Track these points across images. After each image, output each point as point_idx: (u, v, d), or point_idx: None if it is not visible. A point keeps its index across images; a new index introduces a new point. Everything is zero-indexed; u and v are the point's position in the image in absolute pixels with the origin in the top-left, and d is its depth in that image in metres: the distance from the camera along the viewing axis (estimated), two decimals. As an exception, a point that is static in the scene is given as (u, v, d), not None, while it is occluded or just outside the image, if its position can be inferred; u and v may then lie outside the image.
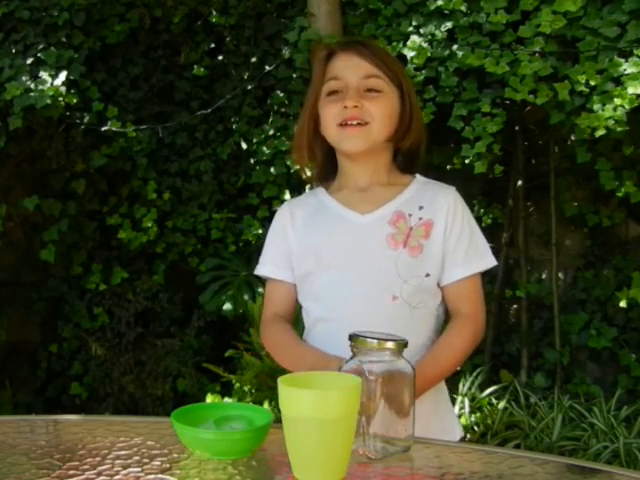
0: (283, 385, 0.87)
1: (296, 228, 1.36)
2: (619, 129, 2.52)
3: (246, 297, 3.22)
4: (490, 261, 1.32)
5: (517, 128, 3.23)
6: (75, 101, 2.95)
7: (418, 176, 1.37)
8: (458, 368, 1.38)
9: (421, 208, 1.29)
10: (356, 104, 1.25)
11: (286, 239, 1.37)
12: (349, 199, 1.33)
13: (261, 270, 1.41)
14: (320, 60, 1.34)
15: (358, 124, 1.26)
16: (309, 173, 1.46)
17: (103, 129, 3.17)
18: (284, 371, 1.30)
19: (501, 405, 2.87)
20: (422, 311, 1.27)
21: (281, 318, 1.37)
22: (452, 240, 1.28)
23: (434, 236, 1.27)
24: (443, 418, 1.32)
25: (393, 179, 1.35)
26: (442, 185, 1.36)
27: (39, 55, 2.95)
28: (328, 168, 1.39)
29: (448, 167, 3.08)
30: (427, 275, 1.27)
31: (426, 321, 1.28)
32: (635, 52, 2.50)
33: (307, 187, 2.79)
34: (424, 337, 1.26)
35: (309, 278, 1.33)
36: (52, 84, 2.88)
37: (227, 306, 3.25)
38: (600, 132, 2.54)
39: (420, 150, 1.37)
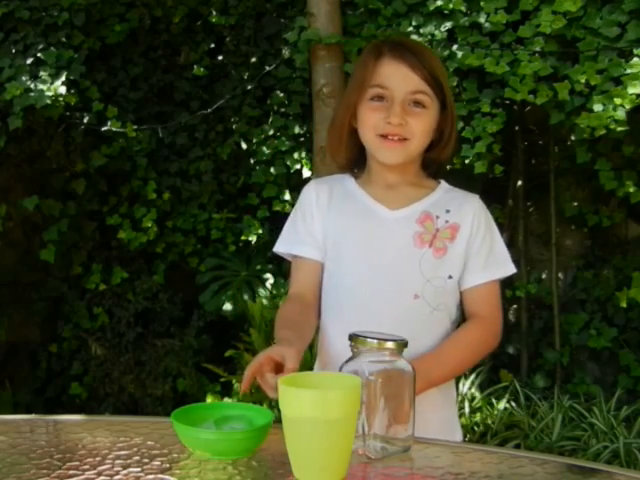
0: (283, 385, 0.87)
1: (321, 209, 1.34)
2: (619, 129, 2.52)
3: (246, 297, 3.22)
4: (510, 269, 1.34)
5: (517, 128, 3.23)
6: (75, 101, 2.95)
7: (443, 182, 1.37)
8: (468, 367, 1.37)
9: (448, 211, 1.30)
10: (401, 122, 1.24)
11: (312, 218, 1.34)
12: (378, 193, 1.32)
13: (291, 248, 1.36)
14: (368, 59, 1.29)
15: (398, 139, 1.25)
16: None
17: (103, 129, 3.17)
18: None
19: (501, 405, 2.87)
20: (441, 313, 1.27)
21: (299, 297, 1.33)
22: (475, 246, 1.30)
23: (459, 239, 1.29)
24: (445, 419, 1.31)
25: (420, 181, 1.35)
26: (467, 193, 1.37)
27: (39, 55, 2.95)
28: (358, 160, 1.37)
29: (448, 167, 3.08)
30: (450, 277, 1.28)
31: (443, 323, 1.28)
32: (635, 52, 2.50)
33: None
34: (439, 339, 1.26)
35: (327, 265, 1.32)
36: (52, 84, 2.88)
37: (227, 306, 3.25)
38: (600, 132, 2.54)
39: (449, 159, 1.38)
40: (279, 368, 1.07)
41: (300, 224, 1.36)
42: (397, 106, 1.24)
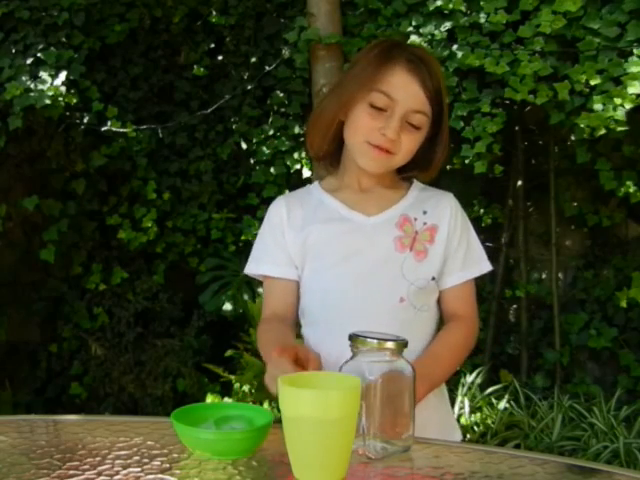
0: (283, 385, 0.86)
1: (294, 225, 1.30)
2: (619, 129, 2.52)
3: (246, 297, 3.22)
4: (485, 266, 1.34)
5: (517, 128, 3.23)
6: (75, 101, 2.95)
7: (415, 181, 1.36)
8: (457, 368, 1.37)
9: (425, 213, 1.30)
10: (395, 138, 1.22)
11: (283, 234, 1.31)
12: (352, 200, 1.30)
13: (259, 268, 1.33)
14: (379, 59, 1.23)
15: (385, 150, 1.24)
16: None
17: (103, 129, 3.17)
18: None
19: (501, 405, 2.87)
20: (425, 314, 1.28)
21: (278, 317, 1.30)
22: (453, 245, 1.30)
23: (438, 240, 1.29)
24: (443, 419, 1.31)
25: (393, 183, 1.34)
26: (441, 191, 1.37)
27: (39, 55, 2.95)
28: (335, 154, 1.34)
29: (448, 167, 3.08)
30: (433, 278, 1.28)
31: (428, 323, 1.29)
32: (635, 52, 2.50)
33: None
34: (426, 340, 1.27)
35: (308, 278, 1.30)
36: (52, 84, 2.88)
37: (227, 306, 3.25)
38: (600, 132, 2.54)
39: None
40: (298, 363, 1.06)
41: (270, 242, 1.33)
42: (396, 121, 1.21)
